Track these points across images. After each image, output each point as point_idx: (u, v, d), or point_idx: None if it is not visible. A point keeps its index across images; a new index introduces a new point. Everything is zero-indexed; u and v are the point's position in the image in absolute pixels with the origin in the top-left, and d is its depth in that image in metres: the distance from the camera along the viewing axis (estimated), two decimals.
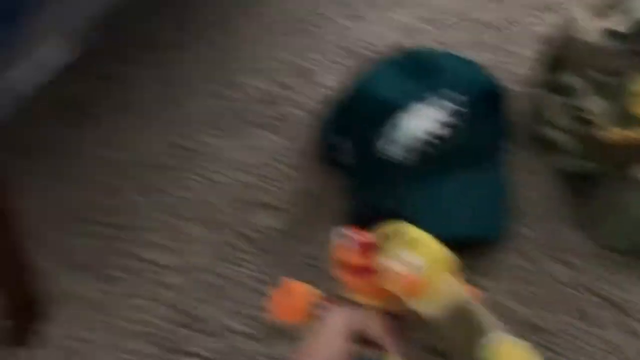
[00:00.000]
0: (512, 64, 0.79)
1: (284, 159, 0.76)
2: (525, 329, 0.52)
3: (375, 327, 0.45)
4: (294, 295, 0.45)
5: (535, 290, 0.55)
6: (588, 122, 0.60)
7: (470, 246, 0.59)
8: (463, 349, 0.43)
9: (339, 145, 0.68)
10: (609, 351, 0.50)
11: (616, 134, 0.58)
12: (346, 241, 0.45)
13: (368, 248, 0.44)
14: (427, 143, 0.62)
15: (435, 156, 0.62)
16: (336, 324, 0.45)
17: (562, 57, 0.61)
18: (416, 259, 0.42)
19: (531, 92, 0.68)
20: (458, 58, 0.69)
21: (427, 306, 0.43)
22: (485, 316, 0.43)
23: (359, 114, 0.66)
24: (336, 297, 0.48)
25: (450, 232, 0.50)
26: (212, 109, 0.85)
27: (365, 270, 0.44)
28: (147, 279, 0.64)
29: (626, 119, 0.57)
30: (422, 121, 0.62)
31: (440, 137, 0.62)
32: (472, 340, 0.42)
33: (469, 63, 0.68)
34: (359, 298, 0.46)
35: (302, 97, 0.84)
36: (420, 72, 0.65)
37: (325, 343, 0.45)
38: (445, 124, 0.62)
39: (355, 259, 0.44)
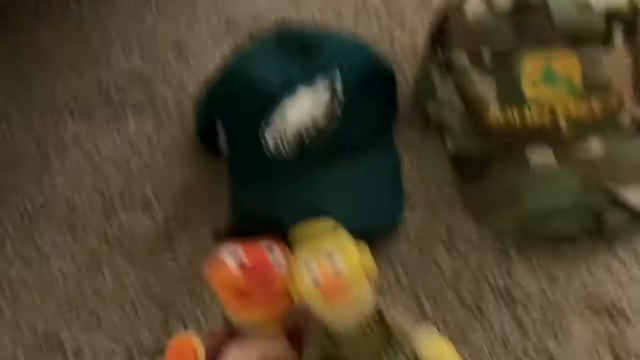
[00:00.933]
0: (401, 36, 0.75)
1: (157, 147, 0.69)
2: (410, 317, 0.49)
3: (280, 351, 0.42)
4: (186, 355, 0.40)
5: (423, 277, 0.52)
6: (477, 102, 0.57)
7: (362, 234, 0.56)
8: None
9: (215, 131, 0.62)
10: (493, 339, 0.47)
11: (506, 114, 0.56)
12: (230, 258, 0.40)
13: (259, 260, 0.40)
14: (310, 130, 0.57)
15: (319, 144, 0.57)
16: None
17: (450, 33, 0.58)
18: (337, 263, 0.39)
19: (421, 68, 0.65)
20: (342, 37, 0.63)
21: (342, 314, 0.39)
22: (404, 318, 0.42)
23: (232, 99, 0.59)
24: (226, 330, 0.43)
25: (346, 226, 0.47)
26: (75, 90, 0.76)
27: (258, 286, 0.40)
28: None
29: (516, 99, 0.55)
30: (303, 107, 0.57)
31: (323, 123, 0.57)
32: (385, 348, 0.40)
33: (354, 42, 0.63)
34: (250, 320, 0.42)
35: (178, 77, 0.77)
36: (301, 53, 0.59)
37: None
38: (328, 109, 0.57)
39: (243, 277, 0.40)
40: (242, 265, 0.39)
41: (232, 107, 0.60)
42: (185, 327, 0.53)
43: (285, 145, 0.57)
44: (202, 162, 0.68)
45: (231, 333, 0.44)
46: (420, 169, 0.62)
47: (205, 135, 0.65)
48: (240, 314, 0.42)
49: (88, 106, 0.77)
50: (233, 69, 0.61)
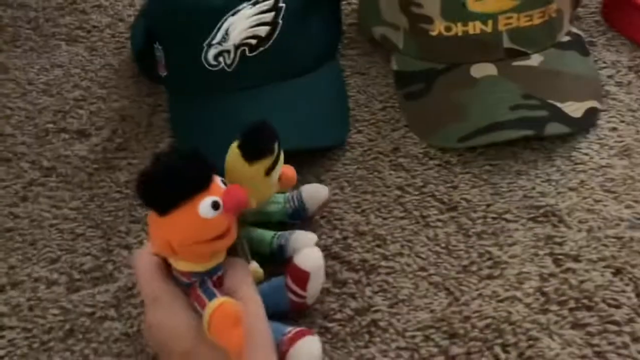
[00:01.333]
0: None
1: (93, 76, 0.66)
2: (358, 235, 0.49)
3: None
4: None
5: (369, 193, 0.52)
6: (422, 18, 0.56)
7: (309, 154, 0.55)
8: None
9: (153, 54, 0.60)
10: (438, 248, 0.48)
11: (450, 29, 0.55)
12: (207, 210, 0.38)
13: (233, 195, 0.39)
14: (252, 48, 0.55)
15: (261, 62, 0.55)
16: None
17: None
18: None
19: None
20: None
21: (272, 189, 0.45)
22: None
23: (173, 17, 0.56)
24: None
25: (288, 144, 0.46)
26: (4, 19, 0.72)
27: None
28: None
29: (461, 14, 0.54)
30: (246, 25, 0.55)
31: (265, 42, 0.55)
32: None
33: None
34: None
35: (113, 6, 0.74)
36: None
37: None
38: (271, 28, 0.55)
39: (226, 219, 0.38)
40: (218, 206, 0.38)
41: (173, 25, 0.57)
42: (129, 251, 0.52)
43: (227, 62, 0.55)
44: (139, 89, 0.65)
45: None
46: (366, 90, 0.61)
47: (143, 57, 0.62)
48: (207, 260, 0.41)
49: (17, 34, 0.73)
50: None
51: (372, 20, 0.62)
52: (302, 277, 0.44)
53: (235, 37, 0.55)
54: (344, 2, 0.70)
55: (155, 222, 0.39)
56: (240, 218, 0.42)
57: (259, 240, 0.48)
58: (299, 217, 0.50)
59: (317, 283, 0.44)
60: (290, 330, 0.42)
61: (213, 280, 0.40)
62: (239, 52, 0.55)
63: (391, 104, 0.60)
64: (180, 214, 0.38)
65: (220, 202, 0.38)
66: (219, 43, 0.55)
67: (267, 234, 0.48)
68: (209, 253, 0.40)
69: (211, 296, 0.39)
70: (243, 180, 0.41)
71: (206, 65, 0.56)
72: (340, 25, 0.66)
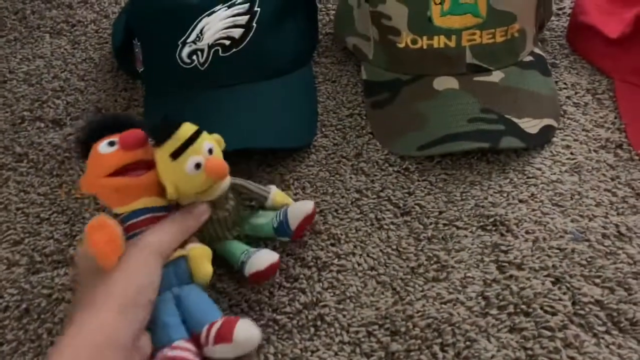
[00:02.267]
0: None
1: (74, 68, 0.68)
2: (314, 234, 0.51)
3: None
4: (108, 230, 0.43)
5: (328, 195, 0.54)
6: (391, 30, 0.59)
7: (275, 154, 0.57)
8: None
9: (132, 50, 0.61)
10: (389, 252, 0.50)
11: (416, 42, 0.58)
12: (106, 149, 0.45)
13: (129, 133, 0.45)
14: (226, 48, 0.57)
15: (235, 63, 0.57)
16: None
17: None
18: (208, 145, 0.45)
19: (340, 2, 0.66)
20: None
21: (216, 189, 0.47)
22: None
23: (151, 16, 0.58)
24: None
25: (255, 143, 0.47)
26: None
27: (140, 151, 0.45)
28: None
29: (426, 28, 0.57)
30: (221, 26, 0.57)
31: (239, 43, 0.57)
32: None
33: None
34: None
35: (99, 2, 0.76)
36: None
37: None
38: (246, 31, 0.57)
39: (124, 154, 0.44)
40: (112, 145, 0.45)
41: (150, 22, 0.59)
42: None
43: (200, 61, 0.57)
44: (116, 83, 0.67)
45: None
46: (336, 97, 0.63)
47: (122, 53, 0.64)
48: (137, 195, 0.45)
49: (2, 24, 0.74)
50: None
51: (346, 30, 0.65)
52: (223, 337, 0.42)
53: (209, 37, 0.57)
54: (322, 12, 0.72)
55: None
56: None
57: (231, 254, 0.49)
58: (284, 233, 0.49)
59: (228, 352, 0.42)
60: (179, 344, 0.42)
61: (126, 225, 0.45)
62: (212, 51, 0.57)
63: (358, 111, 0.62)
64: (91, 154, 0.45)
65: (117, 141, 0.45)
66: (194, 42, 0.57)
67: (239, 249, 0.48)
68: (112, 189, 0.44)
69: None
70: (158, 164, 0.45)
71: (180, 63, 0.58)
72: (316, 33, 0.68)
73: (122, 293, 0.40)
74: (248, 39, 0.58)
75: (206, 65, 0.57)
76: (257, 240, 0.50)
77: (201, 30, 0.57)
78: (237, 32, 0.58)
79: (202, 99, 0.57)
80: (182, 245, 0.45)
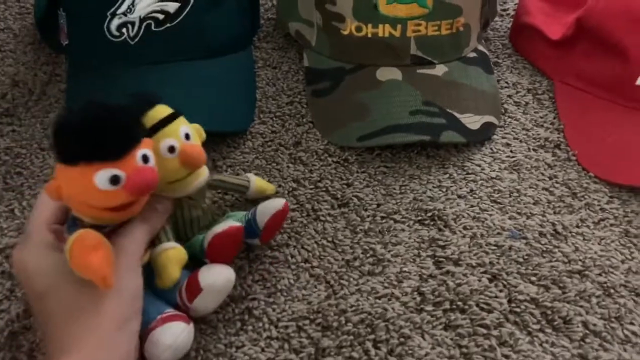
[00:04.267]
0: None
1: None
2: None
3: None
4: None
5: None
6: (335, 16, 0.56)
7: (208, 138, 0.54)
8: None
9: (56, 21, 0.57)
10: (324, 244, 0.47)
11: (360, 29, 0.56)
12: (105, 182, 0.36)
13: (138, 172, 0.36)
14: (159, 23, 0.53)
15: (168, 39, 0.53)
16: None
17: None
18: (184, 129, 0.42)
19: None
20: None
21: (193, 179, 0.42)
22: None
23: None
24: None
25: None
26: None
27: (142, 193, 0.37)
28: None
29: (372, 16, 0.55)
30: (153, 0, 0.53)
31: (174, 18, 0.53)
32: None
33: None
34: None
35: None
36: None
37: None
38: (181, 6, 0.54)
39: (125, 193, 0.36)
40: (116, 182, 0.35)
41: None
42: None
43: (131, 34, 0.53)
44: (37, 56, 0.62)
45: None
46: (276, 83, 0.61)
47: (45, 23, 0.59)
48: (111, 220, 0.39)
49: None
50: None
51: (289, 15, 0.62)
52: (194, 291, 0.41)
53: (141, 10, 0.53)
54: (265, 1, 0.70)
55: (60, 166, 0.36)
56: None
57: (190, 244, 0.44)
58: (253, 233, 0.45)
59: (207, 302, 0.41)
60: (168, 311, 0.40)
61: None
62: (144, 25, 0.53)
63: (299, 99, 0.59)
64: (78, 171, 0.35)
65: (123, 178, 0.35)
66: (124, 14, 0.53)
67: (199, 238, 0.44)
68: (96, 217, 0.37)
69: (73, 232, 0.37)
70: None
71: (108, 36, 0.53)
72: (258, 16, 0.65)
73: (116, 309, 0.36)
74: (184, 14, 0.54)
75: (136, 39, 0.53)
76: None
77: (133, 2, 0.53)
78: (172, 6, 0.54)
79: (129, 76, 0.53)
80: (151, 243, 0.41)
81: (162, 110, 0.41)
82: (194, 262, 0.43)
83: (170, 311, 0.40)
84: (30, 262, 0.38)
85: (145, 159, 0.37)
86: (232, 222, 0.43)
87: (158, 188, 0.39)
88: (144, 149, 0.37)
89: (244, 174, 0.50)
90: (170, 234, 0.42)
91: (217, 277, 0.41)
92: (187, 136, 0.41)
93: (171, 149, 0.40)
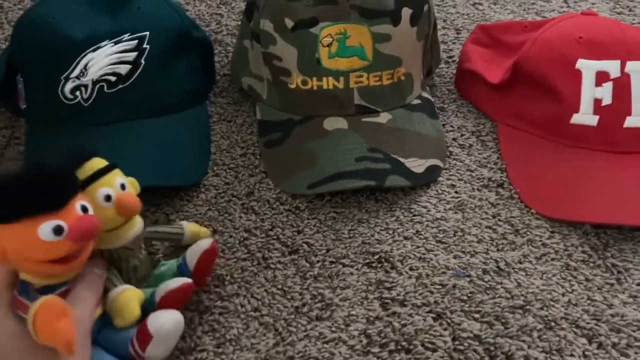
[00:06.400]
0: (227, 17, 0.77)
1: None
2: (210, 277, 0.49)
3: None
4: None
5: (219, 237, 0.52)
6: (282, 71, 0.59)
7: (161, 193, 0.55)
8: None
9: (14, 86, 0.59)
10: (274, 292, 0.48)
11: (306, 83, 0.58)
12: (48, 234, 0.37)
13: (81, 222, 0.38)
14: (112, 84, 0.55)
15: (121, 99, 0.56)
16: None
17: (259, 4, 0.60)
18: (119, 179, 0.44)
19: (237, 44, 0.66)
20: (159, 1, 0.62)
21: (128, 228, 0.44)
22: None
23: (33, 48, 0.57)
24: None
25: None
26: None
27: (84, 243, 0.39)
28: None
29: (315, 70, 0.58)
30: (106, 62, 0.56)
31: (126, 79, 0.56)
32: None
33: (171, 7, 0.62)
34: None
35: None
36: (112, 9, 0.58)
37: None
38: (134, 67, 0.56)
39: (68, 244, 0.38)
40: (60, 233, 0.37)
41: (33, 56, 0.57)
42: None
43: (84, 97, 0.55)
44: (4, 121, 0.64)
45: None
46: (230, 136, 0.63)
47: (3, 89, 0.61)
48: (58, 275, 0.40)
49: None
50: (36, 18, 0.58)
51: (241, 71, 0.65)
52: (144, 338, 0.41)
53: (93, 73, 0.55)
54: (221, 54, 0.72)
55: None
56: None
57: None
58: (186, 275, 0.46)
59: (159, 348, 0.42)
60: None
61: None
62: (97, 87, 0.56)
63: (252, 150, 0.61)
64: (20, 227, 0.37)
65: (65, 227, 0.37)
66: (77, 77, 0.55)
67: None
68: (44, 273, 0.39)
69: (34, 299, 0.38)
70: None
71: (62, 99, 0.56)
72: (213, 73, 0.68)
73: None
74: (135, 75, 0.56)
75: (90, 101, 0.55)
76: None
77: (85, 66, 0.55)
78: (124, 69, 0.56)
79: (84, 136, 0.55)
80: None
81: (98, 162, 0.43)
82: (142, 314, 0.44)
83: None
84: None
85: (84, 209, 0.39)
86: (183, 280, 0.45)
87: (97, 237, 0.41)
88: (81, 200, 0.39)
89: (176, 222, 0.51)
90: (120, 279, 0.44)
91: (166, 320, 0.42)
92: (122, 186, 0.43)
93: (107, 198, 0.42)
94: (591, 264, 0.51)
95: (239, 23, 0.75)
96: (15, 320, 0.39)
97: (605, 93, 0.58)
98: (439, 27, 0.71)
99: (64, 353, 0.36)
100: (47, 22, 0.56)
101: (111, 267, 0.44)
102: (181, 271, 0.46)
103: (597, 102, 0.58)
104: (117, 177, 0.43)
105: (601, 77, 0.58)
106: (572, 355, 0.44)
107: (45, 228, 0.37)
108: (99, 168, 0.42)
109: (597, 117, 0.58)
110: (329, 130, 0.57)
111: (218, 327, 0.47)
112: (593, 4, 0.83)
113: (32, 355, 0.38)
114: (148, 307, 0.44)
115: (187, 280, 0.44)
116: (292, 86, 0.59)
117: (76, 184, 0.39)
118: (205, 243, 0.47)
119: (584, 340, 0.46)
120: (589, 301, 0.48)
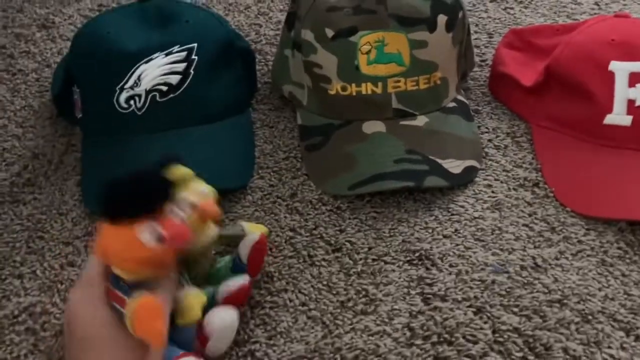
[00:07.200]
0: (266, 28, 0.80)
1: (12, 115, 0.68)
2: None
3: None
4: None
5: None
6: (322, 78, 0.62)
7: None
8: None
9: (70, 97, 0.63)
10: (320, 287, 0.51)
11: (346, 89, 0.61)
12: (149, 236, 0.41)
13: (177, 230, 0.42)
14: (164, 94, 0.59)
15: (172, 109, 0.59)
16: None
17: (300, 14, 0.63)
18: (201, 187, 0.46)
19: (277, 54, 0.69)
20: (200, 9, 0.66)
21: (209, 233, 0.47)
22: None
23: (89, 62, 0.60)
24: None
25: None
26: None
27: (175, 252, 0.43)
28: None
29: (355, 76, 0.60)
30: (158, 73, 0.59)
31: (177, 90, 0.59)
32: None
33: (216, 20, 0.66)
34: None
35: (41, 52, 0.77)
36: (161, 22, 0.62)
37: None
38: (183, 77, 0.60)
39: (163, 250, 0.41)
40: (160, 239, 0.41)
41: (89, 68, 0.61)
42: (22, 280, 0.53)
43: (138, 106, 0.59)
44: (55, 129, 0.68)
45: None
46: (273, 141, 0.66)
47: (60, 99, 0.65)
48: (149, 275, 0.43)
49: None
50: (93, 33, 0.62)
51: (282, 78, 0.68)
52: (204, 337, 0.45)
53: (146, 83, 0.59)
54: (261, 63, 0.75)
55: (105, 225, 0.42)
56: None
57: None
58: (241, 269, 0.49)
59: (219, 344, 0.46)
60: (182, 352, 0.44)
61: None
62: (149, 97, 0.59)
63: (294, 154, 0.64)
64: (124, 229, 0.41)
65: (165, 234, 0.41)
66: (131, 87, 0.59)
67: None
68: (138, 271, 0.43)
69: (128, 293, 0.42)
70: None
71: (118, 108, 0.59)
72: (255, 82, 0.71)
73: None
74: (185, 85, 0.60)
75: (143, 110, 0.59)
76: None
77: (139, 77, 0.59)
78: (174, 79, 0.60)
79: (137, 144, 0.58)
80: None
81: (181, 169, 0.45)
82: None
83: (183, 352, 0.44)
84: (82, 309, 0.43)
85: (177, 215, 0.43)
86: (241, 280, 0.48)
87: None
88: (172, 206, 0.43)
89: (235, 224, 0.54)
90: (187, 279, 0.47)
91: (223, 318, 0.45)
92: (203, 194, 0.46)
93: (192, 204, 0.44)
94: (627, 260, 0.53)
95: (277, 33, 0.79)
96: (107, 310, 0.43)
97: (639, 94, 0.60)
98: (471, 31, 0.73)
99: (154, 347, 0.41)
100: (103, 36, 0.60)
101: (181, 267, 0.47)
102: (236, 265, 0.49)
103: (631, 102, 0.60)
104: (200, 184, 0.46)
105: (634, 78, 0.60)
106: (609, 347, 0.46)
107: (146, 234, 0.41)
108: (186, 174, 0.45)
109: (630, 117, 0.60)
110: (368, 133, 0.60)
111: (269, 321, 0.49)
112: (625, 5, 0.84)
113: (117, 346, 0.42)
114: (208, 306, 0.47)
115: (245, 281, 0.48)
116: (332, 92, 0.62)
117: (172, 189, 0.43)
118: (254, 236, 0.50)
119: (621, 333, 0.47)
120: (625, 295, 0.50)
